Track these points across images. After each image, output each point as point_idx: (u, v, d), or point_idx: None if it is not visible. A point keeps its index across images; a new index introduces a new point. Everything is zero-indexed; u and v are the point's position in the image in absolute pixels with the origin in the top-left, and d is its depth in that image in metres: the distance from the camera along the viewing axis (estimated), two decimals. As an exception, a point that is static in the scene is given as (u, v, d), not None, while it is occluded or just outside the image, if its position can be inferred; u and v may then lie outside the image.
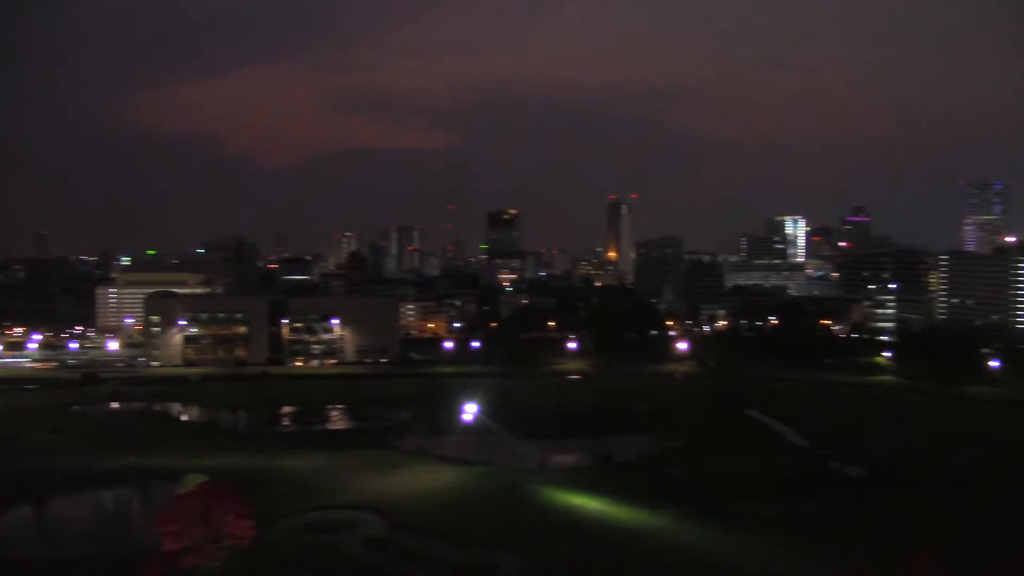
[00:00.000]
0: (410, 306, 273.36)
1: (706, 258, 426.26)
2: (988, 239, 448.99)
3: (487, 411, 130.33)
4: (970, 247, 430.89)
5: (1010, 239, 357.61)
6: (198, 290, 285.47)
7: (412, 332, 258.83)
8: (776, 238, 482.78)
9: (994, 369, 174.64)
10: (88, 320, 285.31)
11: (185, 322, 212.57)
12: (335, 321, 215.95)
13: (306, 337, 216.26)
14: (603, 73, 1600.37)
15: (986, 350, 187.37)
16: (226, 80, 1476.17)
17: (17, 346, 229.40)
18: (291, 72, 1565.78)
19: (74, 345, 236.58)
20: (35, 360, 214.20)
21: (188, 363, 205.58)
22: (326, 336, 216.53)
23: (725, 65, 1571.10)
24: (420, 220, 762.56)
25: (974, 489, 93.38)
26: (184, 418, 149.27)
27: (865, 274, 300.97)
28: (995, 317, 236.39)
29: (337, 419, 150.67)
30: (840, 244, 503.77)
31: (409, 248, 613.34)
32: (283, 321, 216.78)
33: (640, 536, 76.60)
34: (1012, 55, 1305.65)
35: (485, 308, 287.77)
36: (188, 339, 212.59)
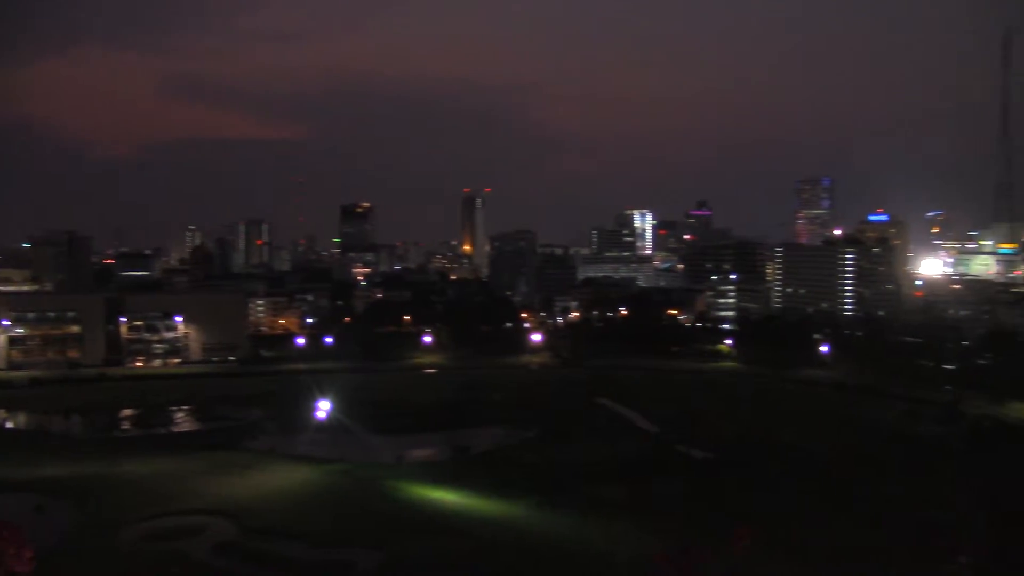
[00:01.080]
0: (260, 302, 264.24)
1: (559, 251, 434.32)
2: (818, 232, 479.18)
3: (342, 407, 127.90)
4: (802, 240, 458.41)
5: (837, 232, 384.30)
6: (24, 287, 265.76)
7: (262, 329, 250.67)
8: (625, 231, 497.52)
9: (824, 354, 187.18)
10: None
11: (9, 322, 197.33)
12: (178, 318, 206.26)
13: (147, 336, 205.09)
14: (457, 66, 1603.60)
15: (817, 336, 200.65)
16: (56, 61, 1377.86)
17: None
18: (127, 55, 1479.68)
19: None
20: None
21: (13, 366, 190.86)
22: (169, 334, 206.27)
23: (577, 63, 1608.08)
24: (269, 213, 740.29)
25: (807, 465, 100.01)
26: (9, 425, 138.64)
27: (708, 266, 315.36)
28: (825, 305, 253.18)
29: (183, 421, 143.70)
30: (685, 237, 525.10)
31: (258, 242, 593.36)
32: (121, 319, 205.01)
33: (498, 526, 77.38)
34: (846, 63, 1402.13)
35: (339, 303, 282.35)
36: (13, 340, 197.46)
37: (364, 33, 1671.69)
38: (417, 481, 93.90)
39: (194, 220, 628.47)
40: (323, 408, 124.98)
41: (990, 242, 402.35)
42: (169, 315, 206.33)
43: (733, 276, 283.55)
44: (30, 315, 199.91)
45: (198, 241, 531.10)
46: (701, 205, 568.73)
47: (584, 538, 73.31)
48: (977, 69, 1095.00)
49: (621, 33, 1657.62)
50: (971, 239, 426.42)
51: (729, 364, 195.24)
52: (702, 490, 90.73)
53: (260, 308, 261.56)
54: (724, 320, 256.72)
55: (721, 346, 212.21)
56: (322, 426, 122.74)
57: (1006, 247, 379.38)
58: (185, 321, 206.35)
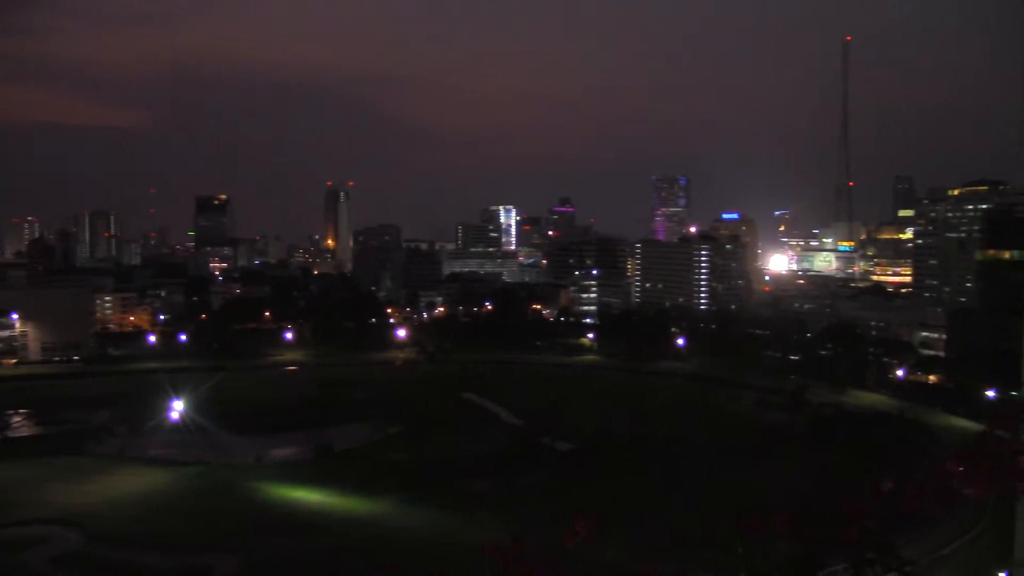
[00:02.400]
0: (107, 298, 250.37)
1: (424, 246, 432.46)
2: (675, 229, 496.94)
3: (198, 407, 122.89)
4: (660, 236, 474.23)
5: (692, 229, 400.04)
6: None
7: (110, 326, 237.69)
8: (490, 227, 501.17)
9: (680, 346, 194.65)
10: None
11: None
12: (14, 316, 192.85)
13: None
14: (314, 55, 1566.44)
15: (674, 329, 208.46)
16: None
17: None
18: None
19: None
20: None
21: None
22: (4, 333, 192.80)
23: (441, 57, 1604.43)
24: (117, 204, 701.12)
25: (664, 454, 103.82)
26: None
27: (571, 261, 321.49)
28: (681, 299, 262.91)
29: (20, 425, 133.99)
30: (549, 233, 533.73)
31: (105, 235, 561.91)
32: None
33: (360, 524, 76.46)
34: (706, 66, 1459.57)
35: (194, 299, 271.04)
36: None
37: (223, 18, 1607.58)
38: (278, 481, 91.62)
39: (32, 211, 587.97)
40: (177, 409, 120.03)
41: (831, 240, 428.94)
42: (4, 312, 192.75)
43: (595, 271, 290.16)
44: None
45: (37, 233, 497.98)
46: (564, 202, 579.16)
47: (447, 532, 73.31)
48: (828, 73, 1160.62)
49: (489, 28, 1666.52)
50: (814, 237, 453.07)
51: (591, 357, 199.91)
52: (564, 482, 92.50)
53: (108, 304, 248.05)
54: (587, 314, 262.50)
55: (584, 340, 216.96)
56: (177, 427, 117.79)
57: (845, 245, 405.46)
58: (22, 319, 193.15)
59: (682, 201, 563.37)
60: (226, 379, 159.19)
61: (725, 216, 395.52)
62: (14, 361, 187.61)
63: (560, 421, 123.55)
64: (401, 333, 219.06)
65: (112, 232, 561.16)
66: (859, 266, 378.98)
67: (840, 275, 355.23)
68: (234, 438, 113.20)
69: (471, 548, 58.25)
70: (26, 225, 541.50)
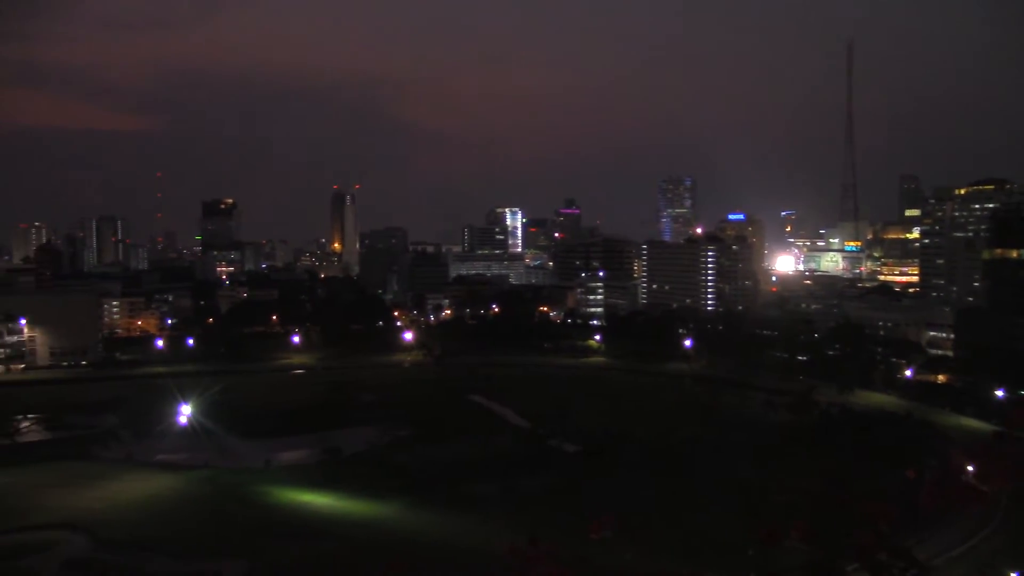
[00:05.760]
0: (115, 302, 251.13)
1: (430, 249, 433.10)
2: (681, 230, 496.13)
3: (206, 411, 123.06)
4: (667, 237, 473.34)
5: (699, 230, 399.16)
6: None
7: (118, 331, 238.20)
8: (496, 229, 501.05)
9: (688, 348, 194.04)
10: None
11: None
12: (22, 321, 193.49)
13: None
14: (319, 59, 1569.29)
15: (681, 331, 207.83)
16: None
17: None
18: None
19: None
20: None
21: None
22: (12, 338, 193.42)
23: (451, 59, 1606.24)
24: (124, 209, 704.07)
25: (673, 456, 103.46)
26: None
27: (577, 263, 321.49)
28: (688, 300, 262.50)
29: (28, 430, 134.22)
30: (555, 235, 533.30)
31: (112, 239, 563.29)
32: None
33: (368, 527, 76.37)
34: (711, 66, 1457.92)
35: (201, 303, 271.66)
36: None
37: (228, 24, 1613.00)
38: (286, 485, 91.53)
39: (40, 216, 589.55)
40: (185, 413, 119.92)
41: (837, 240, 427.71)
42: (12, 318, 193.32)
43: (601, 273, 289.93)
44: None
45: (45, 238, 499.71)
46: (570, 204, 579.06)
47: (455, 536, 73.17)
48: (833, 74, 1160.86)
49: (494, 29, 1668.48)
50: (820, 237, 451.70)
51: (598, 359, 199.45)
52: (573, 483, 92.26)
53: (115, 309, 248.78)
54: (593, 316, 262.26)
55: (590, 342, 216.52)
56: (184, 431, 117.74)
57: (852, 244, 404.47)
58: (30, 324, 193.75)
59: (688, 202, 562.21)
60: (233, 383, 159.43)
61: (731, 217, 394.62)
62: (22, 366, 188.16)
63: (567, 423, 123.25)
64: (408, 336, 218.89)
65: (119, 237, 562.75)
66: (866, 266, 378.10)
67: (847, 275, 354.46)
68: (242, 442, 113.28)
69: (480, 551, 58.39)
70: (33, 230, 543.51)
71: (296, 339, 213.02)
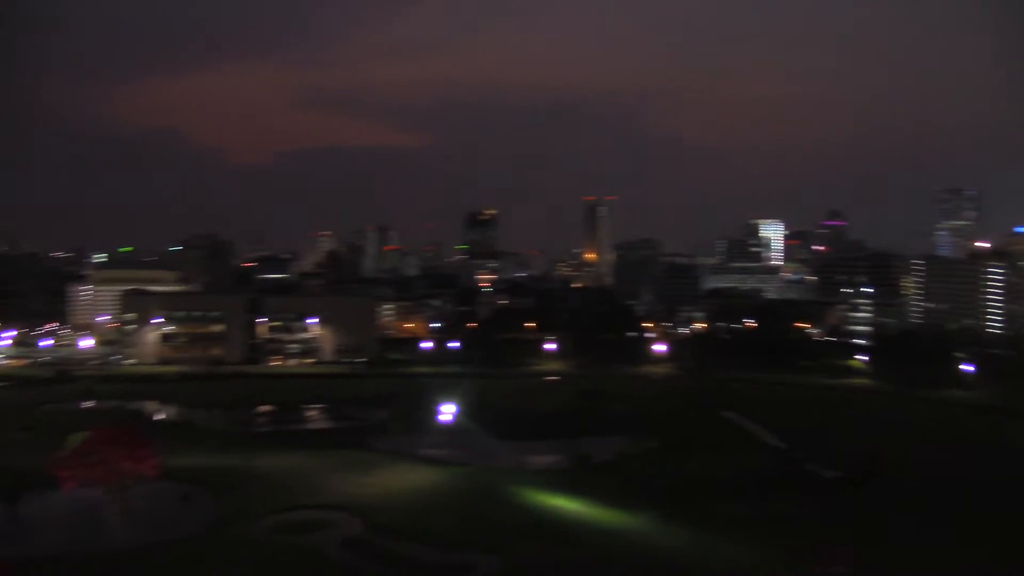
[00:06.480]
0: (388, 306, 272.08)
1: (683, 260, 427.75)
2: (961, 244, 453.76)
3: (465, 411, 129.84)
4: (943, 252, 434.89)
5: (983, 244, 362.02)
6: (174, 288, 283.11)
7: (390, 332, 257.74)
8: (752, 241, 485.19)
9: (966, 373, 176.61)
10: (61, 317, 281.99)
11: (161, 320, 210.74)
12: (313, 320, 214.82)
13: (283, 336, 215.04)
14: (575, 75, 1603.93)
15: (959, 354, 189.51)
16: (198, 76, 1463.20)
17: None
18: (263, 69, 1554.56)
19: (47, 342, 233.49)
20: (7, 357, 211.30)
21: (164, 361, 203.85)
22: (303, 335, 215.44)
23: (704, 68, 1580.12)
24: (397, 220, 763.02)
25: (943, 491, 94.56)
26: (158, 417, 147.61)
27: (840, 278, 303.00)
28: (968, 321, 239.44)
29: (314, 419, 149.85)
30: (815, 248, 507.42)
31: (386, 248, 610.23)
32: (260, 320, 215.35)
33: (617, 537, 76.80)
34: (984, 63, 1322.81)
35: (463, 308, 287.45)
36: (164, 337, 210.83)
37: (488, 44, 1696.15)
38: (537, 488, 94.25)
39: (326, 225, 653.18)
40: (447, 411, 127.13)
41: None
42: (304, 317, 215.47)
43: (868, 289, 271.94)
44: (179, 314, 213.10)
45: (330, 246, 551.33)
46: (834, 215, 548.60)
47: (708, 554, 71.88)
48: None
49: (746, 38, 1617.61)
50: None
51: (862, 381, 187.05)
52: (832, 512, 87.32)
53: (388, 312, 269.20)
54: (857, 335, 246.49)
55: (853, 362, 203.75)
56: (445, 429, 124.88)
57: None
58: (318, 323, 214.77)
59: (969, 214, 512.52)
60: (491, 385, 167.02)
61: (1020, 230, 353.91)
62: (311, 361, 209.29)
63: (826, 446, 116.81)
64: (659, 347, 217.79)
65: (393, 245, 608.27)
66: None
67: None
68: (497, 443, 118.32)
69: (732, 570, 57.40)
70: (320, 239, 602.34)
71: (550, 346, 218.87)
